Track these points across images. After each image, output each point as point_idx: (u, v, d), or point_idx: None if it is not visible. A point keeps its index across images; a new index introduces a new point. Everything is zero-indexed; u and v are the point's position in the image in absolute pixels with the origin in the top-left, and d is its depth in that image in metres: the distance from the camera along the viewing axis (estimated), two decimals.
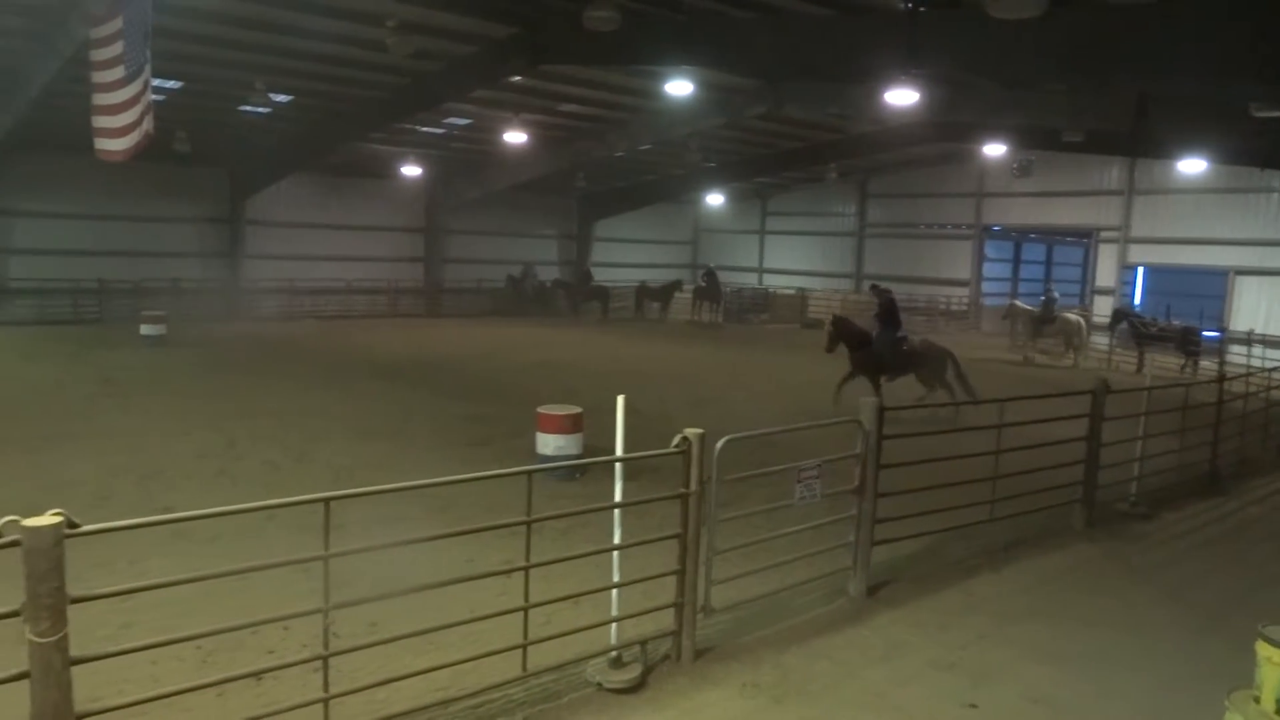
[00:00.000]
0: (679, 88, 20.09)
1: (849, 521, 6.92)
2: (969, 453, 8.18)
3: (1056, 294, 26.16)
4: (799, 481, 6.38)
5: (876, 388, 14.93)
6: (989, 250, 35.01)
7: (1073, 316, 24.21)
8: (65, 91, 18.16)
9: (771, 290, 37.44)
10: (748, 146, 30.99)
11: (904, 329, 16.10)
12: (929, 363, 15.47)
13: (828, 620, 6.56)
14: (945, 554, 8.02)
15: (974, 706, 5.44)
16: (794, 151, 31.14)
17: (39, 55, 17.63)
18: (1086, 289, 31.82)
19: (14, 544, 3.49)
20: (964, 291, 34.09)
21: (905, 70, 14.57)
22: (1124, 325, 24.27)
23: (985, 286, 34.63)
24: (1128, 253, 29.70)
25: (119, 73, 13.19)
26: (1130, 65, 12.34)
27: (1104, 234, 30.22)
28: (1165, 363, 20.19)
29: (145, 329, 21.11)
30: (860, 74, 17.99)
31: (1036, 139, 24.88)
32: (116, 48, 13.20)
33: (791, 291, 36.64)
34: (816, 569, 6.96)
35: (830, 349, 15.88)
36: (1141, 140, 21.58)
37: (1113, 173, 29.76)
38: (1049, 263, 39.63)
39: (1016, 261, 37.98)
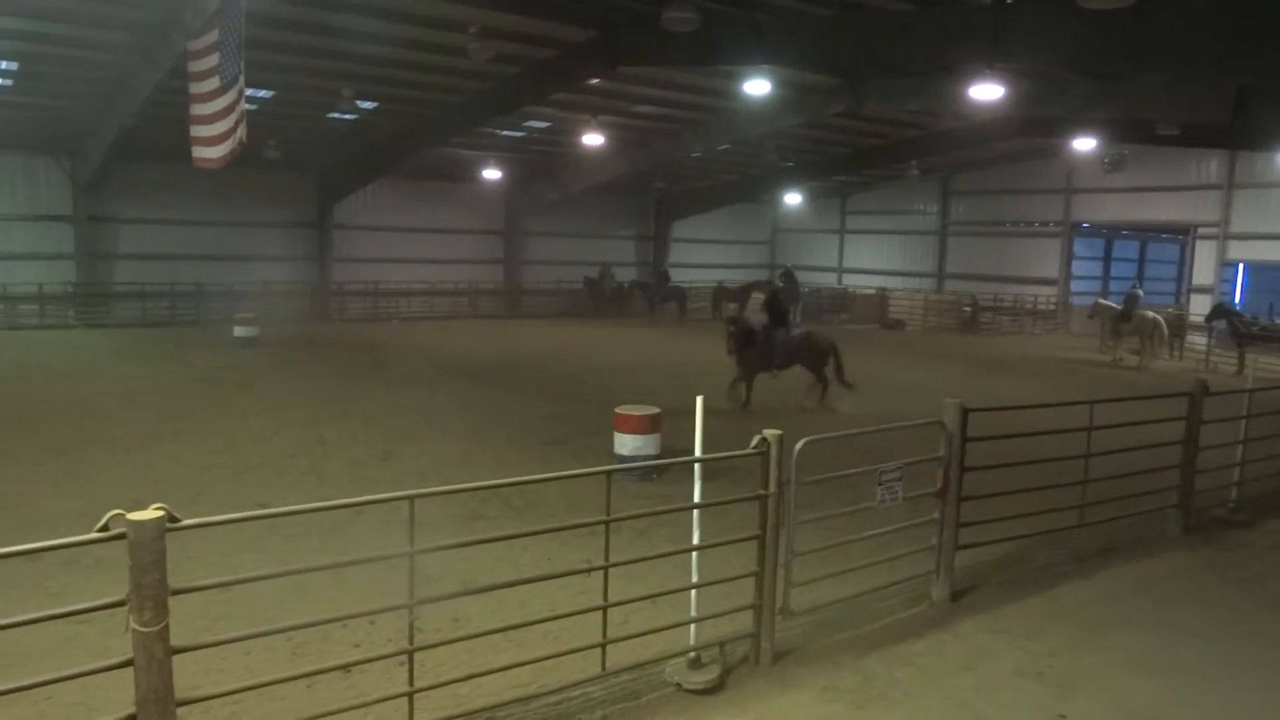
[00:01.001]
0: (757, 87, 19.98)
1: (931, 525, 6.79)
2: (1057, 456, 7.94)
3: (1140, 291, 25.23)
4: (880, 484, 6.28)
5: (748, 387, 14.83)
6: (1078, 248, 33.97)
7: (1150, 314, 23.26)
8: (164, 102, 18.91)
9: (851, 290, 36.97)
10: (827, 145, 30.64)
11: (792, 321, 15.70)
12: (815, 354, 15.31)
13: (910, 625, 6.45)
14: (1032, 559, 7.82)
15: (1063, 717, 5.29)
16: (874, 149, 30.68)
17: (141, 69, 18.39)
18: (1183, 287, 30.63)
19: (120, 537, 3.65)
20: (1052, 290, 33.14)
21: (990, 64, 14.26)
22: (1222, 324, 23.27)
23: (1074, 285, 33.60)
24: (1227, 249, 28.49)
25: (214, 83, 13.71)
26: (1227, 56, 11.84)
27: (1201, 230, 29.04)
28: (1269, 364, 19.30)
29: (238, 330, 21.85)
30: (943, 69, 17.66)
31: (1129, 132, 24.03)
32: (212, 59, 13.72)
33: (871, 291, 36.12)
34: (898, 573, 6.84)
35: (733, 351, 15.02)
36: (1242, 133, 20.67)
37: (1211, 166, 28.57)
38: (1142, 260, 38.28)
39: (1108, 259, 36.78)
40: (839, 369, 15.26)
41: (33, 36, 17.10)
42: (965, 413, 6.71)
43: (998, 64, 14.12)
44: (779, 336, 15.24)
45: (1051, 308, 32.85)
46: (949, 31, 14.26)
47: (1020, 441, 7.95)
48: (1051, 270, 33.34)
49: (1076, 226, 33.22)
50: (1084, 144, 26.59)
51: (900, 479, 6.38)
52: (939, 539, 6.76)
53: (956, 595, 6.90)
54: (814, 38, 15.92)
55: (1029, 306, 32.84)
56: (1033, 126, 24.74)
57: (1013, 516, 7.48)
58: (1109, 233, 35.15)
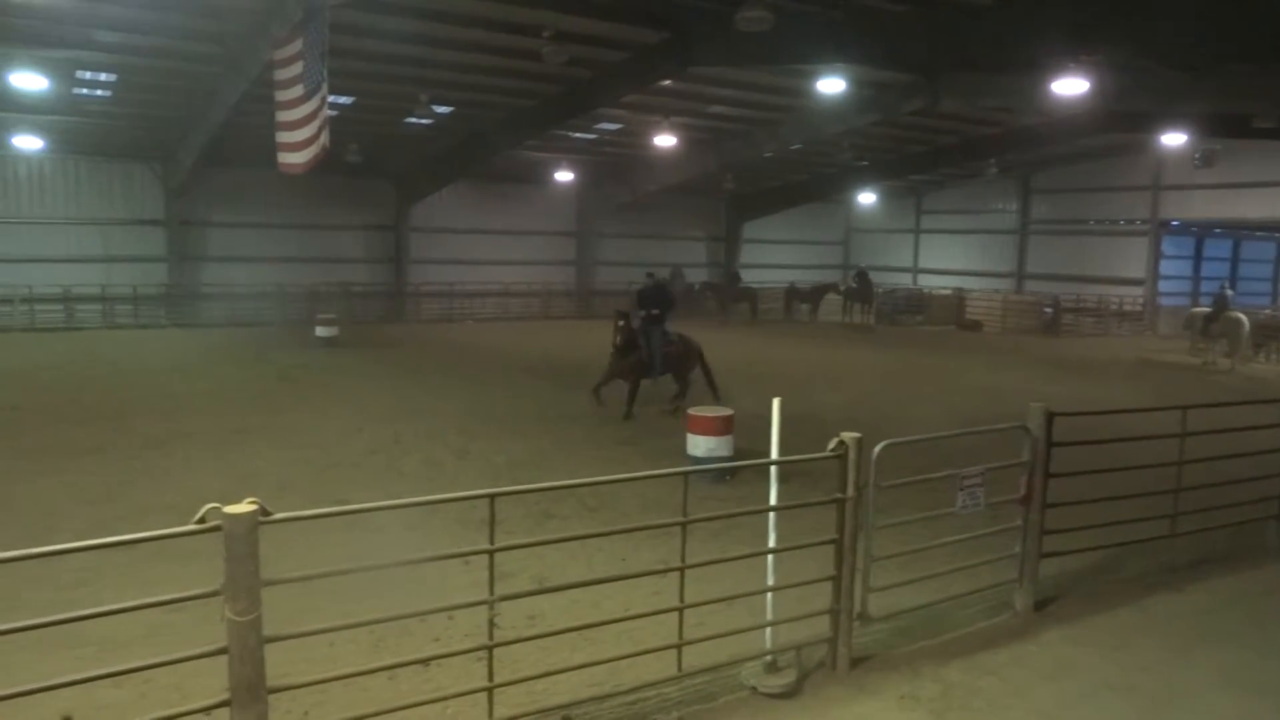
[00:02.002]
0: (831, 86, 19.76)
1: (1014, 532, 6.62)
2: (1148, 463, 7.68)
3: (1230, 291, 24.23)
4: (961, 489, 6.15)
5: (632, 395, 13.68)
6: (1167, 247, 32.82)
7: (1234, 315, 22.31)
8: (251, 110, 19.52)
9: (927, 290, 36.35)
10: (902, 143, 30.17)
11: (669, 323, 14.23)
12: (688, 358, 14.25)
13: (992, 634, 6.30)
14: (1121, 570, 7.56)
15: None
16: (951, 147, 30.11)
17: (229, 78, 19.02)
18: (1279, 288, 29.37)
19: (215, 529, 3.77)
20: (1138, 291, 32.10)
21: (1074, 58, 13.85)
22: None
23: (1162, 286, 32.49)
24: None
25: (299, 91, 14.09)
26: None
27: None
28: None
29: (319, 330, 22.43)
30: (1024, 64, 17.22)
31: (1222, 126, 23.12)
32: (297, 68, 14.10)
33: (947, 292, 35.45)
34: (979, 580, 6.68)
35: (618, 346, 13.81)
36: None
37: None
38: (1235, 260, 36.81)
39: (1198, 259, 35.45)
40: (705, 371, 14.11)
41: (130, 49, 17.80)
42: (1050, 417, 6.53)
43: (1082, 57, 13.70)
44: (655, 340, 13.83)
45: (1138, 309, 31.83)
46: (1031, 25, 13.91)
47: (1108, 448, 7.70)
48: (1138, 270, 32.29)
49: (1165, 225, 32.10)
50: (1173, 139, 25.68)
51: (982, 484, 6.23)
52: (1022, 546, 6.58)
53: (1040, 605, 6.72)
54: (889, 34, 15.68)
55: (1114, 308, 31.87)
56: (1119, 121, 23.97)
57: (1100, 525, 7.24)
58: (1199, 231, 33.89)
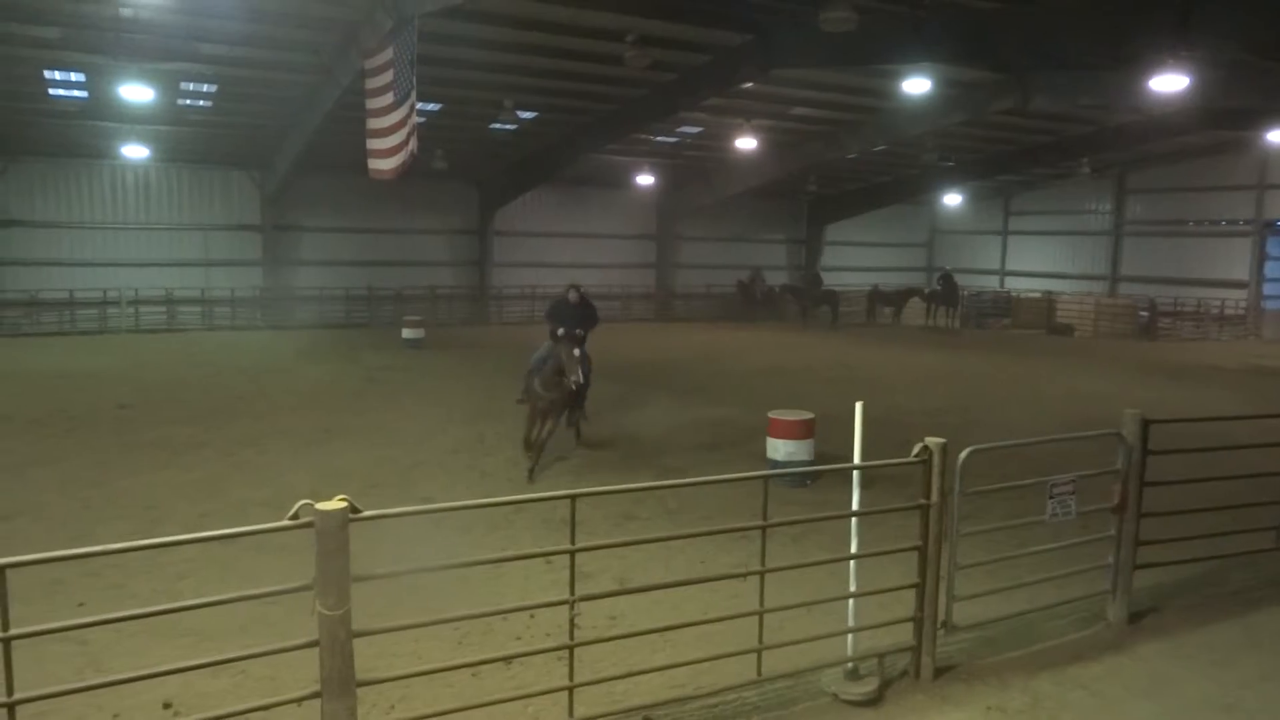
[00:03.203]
0: (916, 86, 19.41)
1: (1107, 542, 6.41)
2: (1252, 472, 7.34)
3: None
4: (1051, 496, 5.99)
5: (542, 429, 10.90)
6: (1273, 248, 31.32)
7: None
8: (343, 118, 20.07)
9: (1014, 294, 35.41)
10: (990, 143, 29.45)
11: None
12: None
13: (1083, 646, 6.11)
14: (1222, 583, 7.25)
15: None
16: (1041, 146, 29.26)
17: (323, 86, 19.61)
18: None
19: (308, 525, 3.89)
20: (1241, 294, 30.70)
21: (1174, 53, 13.32)
22: None
23: (1267, 289, 31.02)
24: None
25: (389, 99, 14.45)
26: None
27: None
28: None
29: (406, 332, 22.91)
30: (1120, 60, 16.66)
31: None
32: (387, 76, 14.47)
33: (1036, 295, 34.47)
34: (1069, 591, 6.48)
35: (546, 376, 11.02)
36: None
37: None
38: None
39: None
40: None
41: (230, 60, 18.49)
42: (1146, 424, 6.30)
43: (1182, 52, 13.15)
44: (584, 366, 11.07)
45: (1240, 312, 30.45)
46: (1127, 20, 13.44)
47: (1208, 456, 7.40)
48: (1241, 272, 30.89)
49: (1271, 225, 30.63)
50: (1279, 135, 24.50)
51: (1073, 492, 6.06)
52: (1115, 557, 6.37)
53: (1135, 617, 6.49)
54: (977, 33, 15.31)
55: (1214, 311, 30.57)
56: (1221, 118, 22.98)
57: (1199, 536, 6.97)
58: None
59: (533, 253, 31.84)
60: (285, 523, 3.92)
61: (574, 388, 10.71)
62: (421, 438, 12.41)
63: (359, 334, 25.69)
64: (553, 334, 11.50)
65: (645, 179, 31.03)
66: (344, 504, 3.92)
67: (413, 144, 13.94)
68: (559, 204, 32.07)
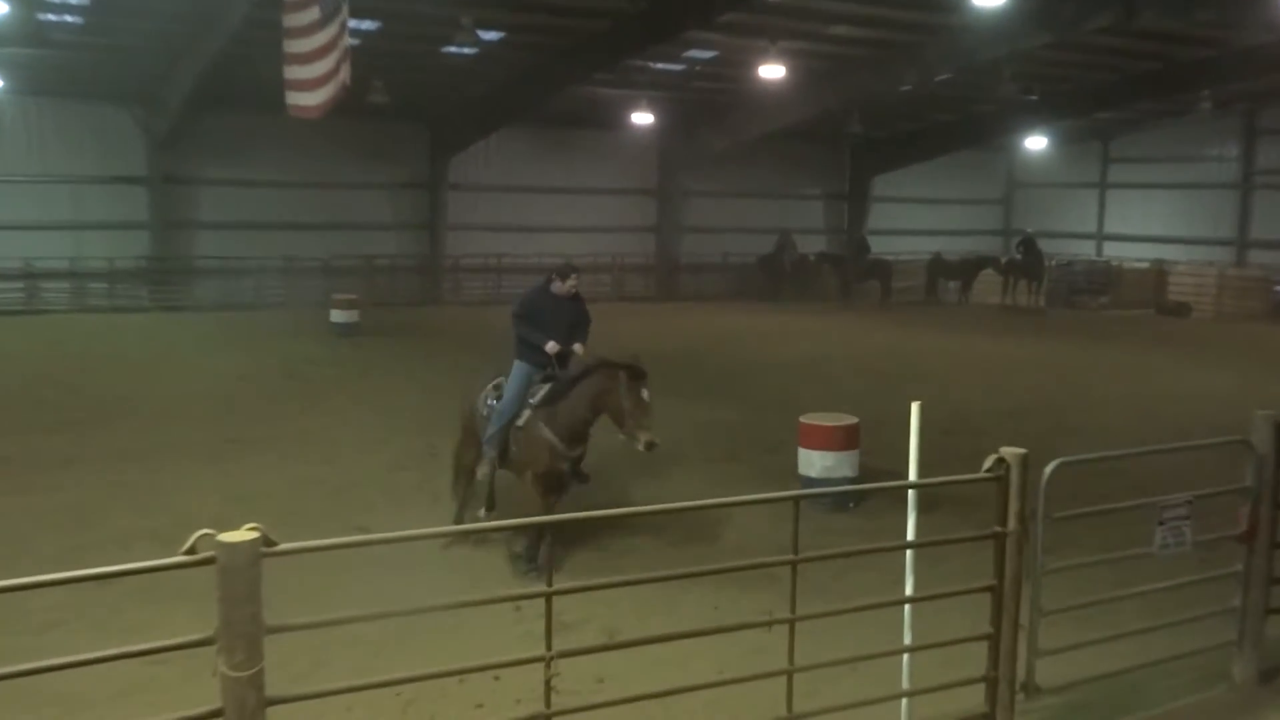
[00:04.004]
0: None
1: (1232, 580, 6.44)
2: None
3: None
4: (1161, 523, 6.01)
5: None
6: None
7: None
8: (254, 40, 20.00)
9: (1115, 263, 35.48)
10: (1083, 71, 29.45)
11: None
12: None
13: (1201, 713, 6.17)
14: None
15: None
16: (1149, 75, 29.33)
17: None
18: None
19: (208, 561, 3.88)
20: None
21: None
22: None
23: None
24: None
25: (314, 14, 14.42)
26: None
27: None
28: None
29: (335, 315, 22.94)
30: None
31: None
32: None
33: (1143, 265, 34.52)
34: (1184, 643, 6.50)
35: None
36: None
37: None
38: None
39: None
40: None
41: None
42: None
43: None
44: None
45: None
46: None
47: None
48: None
49: None
50: None
51: (1189, 517, 6.08)
52: (1243, 599, 6.40)
53: (1267, 675, 6.52)
54: None
55: None
56: None
57: None
58: None
59: (499, 213, 31.80)
60: (179, 559, 3.90)
61: (649, 449, 8.47)
62: (357, 451, 12.40)
63: (275, 317, 25.60)
64: (528, 344, 9.35)
65: (643, 118, 30.98)
66: (255, 534, 3.91)
67: (344, 73, 13.91)
68: (532, 150, 32.02)
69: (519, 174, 32.06)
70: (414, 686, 5.84)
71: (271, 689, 4.08)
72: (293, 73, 15.42)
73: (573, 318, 9.62)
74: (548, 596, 4.65)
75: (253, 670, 3.88)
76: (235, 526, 4.00)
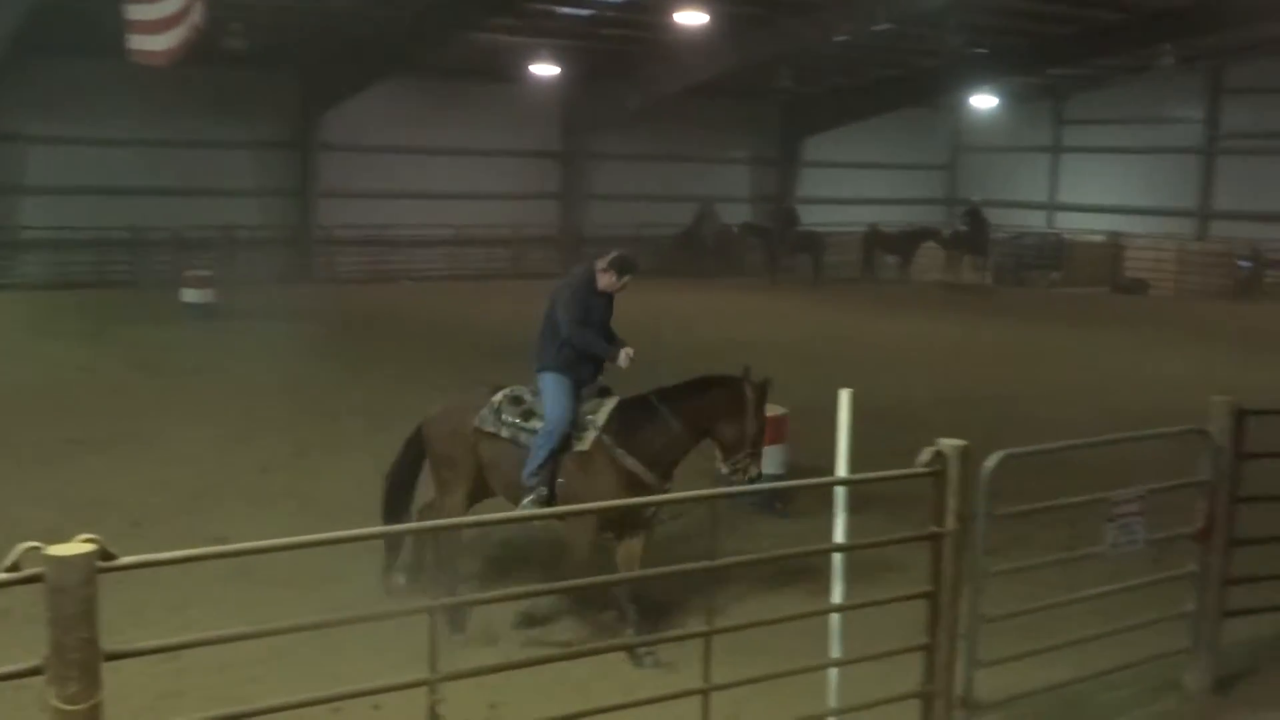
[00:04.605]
0: None
1: (1187, 581, 6.65)
2: None
3: None
4: (1112, 520, 6.17)
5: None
6: None
7: None
8: None
9: (1068, 236, 36.19)
10: (1036, 21, 29.98)
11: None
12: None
13: None
14: None
15: None
16: (1107, 27, 29.91)
17: None
18: None
19: (35, 579, 3.81)
20: None
21: None
22: None
23: None
24: None
25: None
26: None
27: None
28: None
29: (189, 294, 22.52)
30: None
31: None
32: None
33: (1099, 238, 35.27)
34: (1135, 650, 6.71)
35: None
36: None
37: None
38: None
39: None
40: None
41: None
42: (1241, 416, 6.54)
43: None
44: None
45: None
46: None
47: None
48: None
49: None
50: None
51: (1141, 513, 6.25)
52: (1198, 602, 6.61)
53: (1223, 684, 6.75)
54: None
55: None
56: None
57: None
58: None
59: (380, 176, 31.40)
60: (1, 575, 3.83)
61: (755, 480, 8.03)
62: (215, 451, 12.23)
63: (119, 297, 25.12)
64: (576, 353, 8.53)
65: (546, 70, 30.84)
66: (91, 547, 3.84)
67: (196, 13, 13.65)
68: (418, 106, 31.64)
69: (403, 133, 31.62)
70: (280, 716, 5.79)
71: None
72: (135, 12, 15.05)
73: (607, 317, 9.07)
74: (431, 612, 4.66)
75: (89, 703, 3.82)
76: (69, 538, 3.94)
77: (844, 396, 5.55)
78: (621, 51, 31.04)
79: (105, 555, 3.89)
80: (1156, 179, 36.79)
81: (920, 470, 5.51)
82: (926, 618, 5.63)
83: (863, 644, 5.86)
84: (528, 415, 8.27)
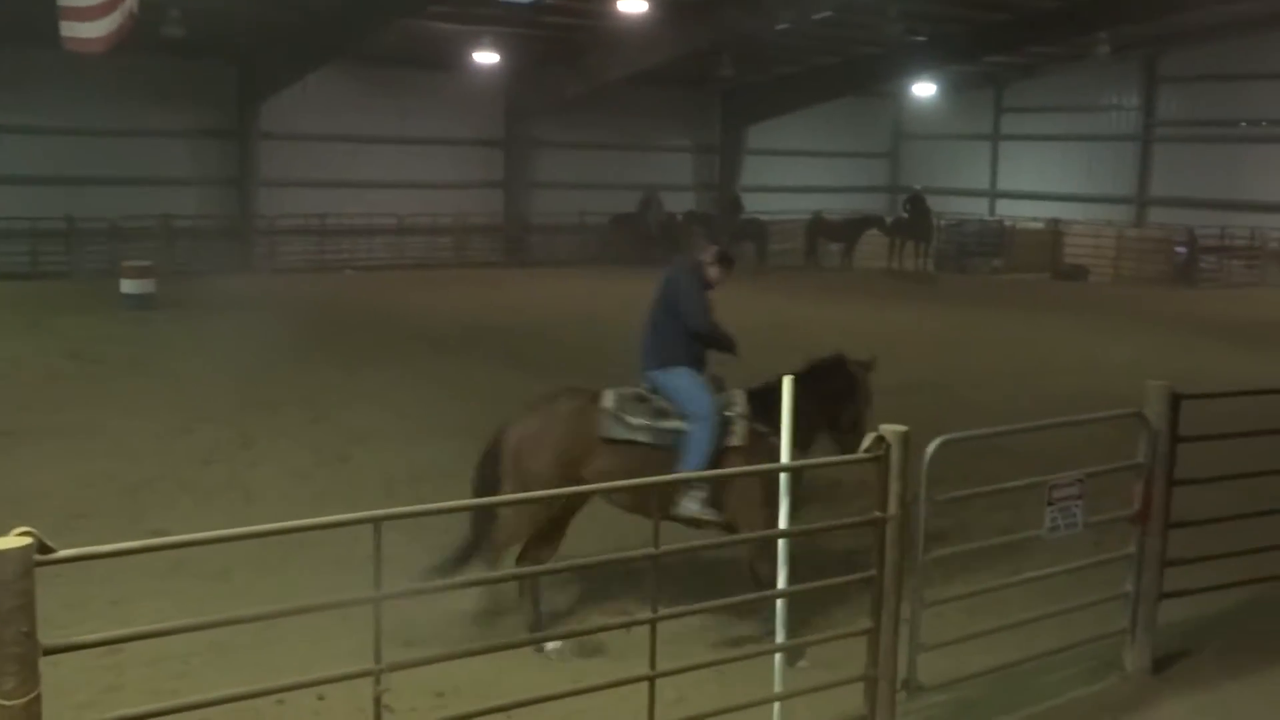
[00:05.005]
0: None
1: (1125, 563, 6.75)
2: None
3: None
4: (1051, 504, 6.23)
5: None
6: None
7: None
8: None
9: (1009, 223, 36.56)
10: (974, 9, 30.22)
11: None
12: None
13: (1093, 707, 6.43)
14: (1274, 614, 7.73)
15: None
16: (1044, 15, 30.21)
17: None
18: None
19: None
20: None
21: None
22: None
23: None
24: None
25: None
26: None
27: None
28: None
29: (127, 285, 22.25)
30: None
31: None
32: None
33: (1038, 225, 35.65)
34: (1075, 632, 6.79)
35: None
36: None
37: None
38: None
39: None
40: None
41: None
42: (1176, 400, 6.63)
43: None
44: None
45: None
46: None
47: (1260, 443, 7.84)
48: None
49: None
50: None
51: (1080, 496, 6.33)
52: (1136, 583, 6.70)
53: (1160, 664, 6.86)
54: None
55: (1274, 245, 32.27)
56: None
57: (1245, 552, 7.38)
58: None
59: (320, 166, 31.17)
60: None
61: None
62: (155, 443, 12.10)
63: (55, 288, 24.80)
64: (702, 346, 8.30)
65: (488, 58, 30.73)
66: (28, 540, 3.80)
67: (131, 0, 13.45)
68: (359, 94, 31.46)
69: (344, 121, 31.45)
70: (225, 711, 5.74)
71: (53, 719, 3.99)
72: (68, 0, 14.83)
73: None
74: (376, 602, 4.63)
75: (27, 698, 3.78)
76: (5, 531, 3.89)
77: (787, 384, 5.57)
78: (564, 39, 30.97)
79: (43, 548, 3.85)
80: (1095, 166, 37.30)
81: (862, 456, 5.55)
82: (870, 602, 5.67)
83: (811, 631, 5.90)
84: (660, 414, 7.79)
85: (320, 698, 6.07)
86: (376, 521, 4.59)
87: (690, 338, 8.10)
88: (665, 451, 7.58)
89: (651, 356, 8.10)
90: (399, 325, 20.86)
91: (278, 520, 5.01)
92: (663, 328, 8.18)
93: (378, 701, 4.67)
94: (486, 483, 7.65)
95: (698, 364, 8.12)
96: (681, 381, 7.92)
